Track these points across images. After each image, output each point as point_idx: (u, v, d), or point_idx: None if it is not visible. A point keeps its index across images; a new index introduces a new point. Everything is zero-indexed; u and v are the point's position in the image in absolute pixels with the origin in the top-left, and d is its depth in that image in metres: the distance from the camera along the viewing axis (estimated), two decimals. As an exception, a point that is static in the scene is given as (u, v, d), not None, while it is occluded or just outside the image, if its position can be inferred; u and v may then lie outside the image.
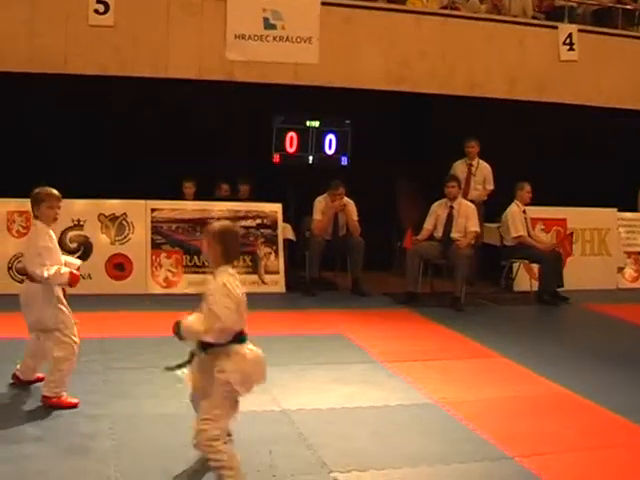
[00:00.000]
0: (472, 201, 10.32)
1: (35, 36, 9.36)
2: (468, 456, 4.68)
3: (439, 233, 9.83)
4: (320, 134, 11.10)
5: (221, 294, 3.96)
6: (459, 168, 10.70)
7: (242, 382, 3.95)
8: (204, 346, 3.99)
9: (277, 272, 9.92)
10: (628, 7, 12.33)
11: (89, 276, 9.08)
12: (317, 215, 10.09)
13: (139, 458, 4.48)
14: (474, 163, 10.75)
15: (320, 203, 10.13)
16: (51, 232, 5.34)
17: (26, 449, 4.49)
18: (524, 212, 10.28)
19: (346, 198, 10.08)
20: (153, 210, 9.63)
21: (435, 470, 4.49)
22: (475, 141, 10.68)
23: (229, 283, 3.99)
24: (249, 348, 4.01)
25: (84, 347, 6.63)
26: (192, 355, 4.07)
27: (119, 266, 9.40)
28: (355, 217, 10.12)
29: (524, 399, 5.88)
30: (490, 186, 10.77)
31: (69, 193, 9.22)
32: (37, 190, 5.37)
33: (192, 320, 3.98)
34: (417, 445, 4.83)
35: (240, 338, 4.01)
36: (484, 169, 10.77)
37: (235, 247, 4.19)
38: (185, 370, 4.12)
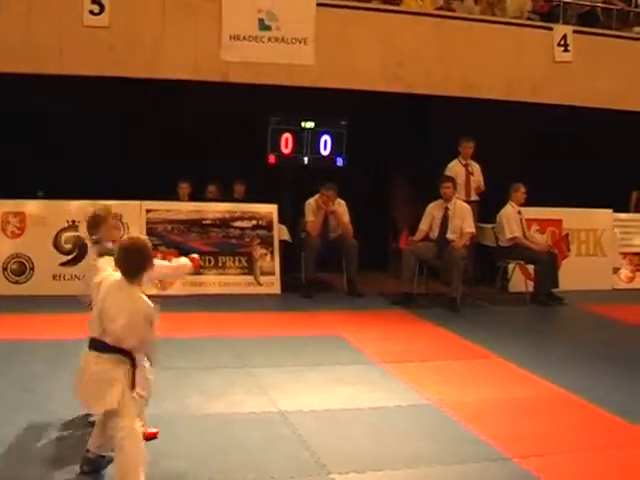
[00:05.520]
0: (472, 201, 10.34)
1: (30, 37, 9.34)
2: (466, 457, 4.67)
3: (435, 234, 9.84)
4: (315, 135, 11.05)
5: None
6: (455, 169, 10.64)
7: None
8: None
9: (273, 273, 9.92)
10: (617, 7, 12.31)
11: (84, 277, 9.06)
12: (309, 216, 10.09)
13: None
14: (470, 163, 10.77)
15: (310, 205, 10.12)
16: None
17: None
18: (519, 213, 10.29)
19: (337, 199, 10.07)
20: (148, 211, 9.59)
21: (433, 471, 4.48)
22: (473, 141, 10.69)
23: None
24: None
25: (81, 346, 6.64)
26: None
27: (114, 267, 9.35)
28: (346, 218, 10.09)
29: (522, 400, 5.87)
30: (483, 186, 10.81)
31: (64, 194, 9.33)
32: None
33: None
34: (415, 446, 4.81)
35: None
36: (477, 168, 10.80)
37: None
38: None
